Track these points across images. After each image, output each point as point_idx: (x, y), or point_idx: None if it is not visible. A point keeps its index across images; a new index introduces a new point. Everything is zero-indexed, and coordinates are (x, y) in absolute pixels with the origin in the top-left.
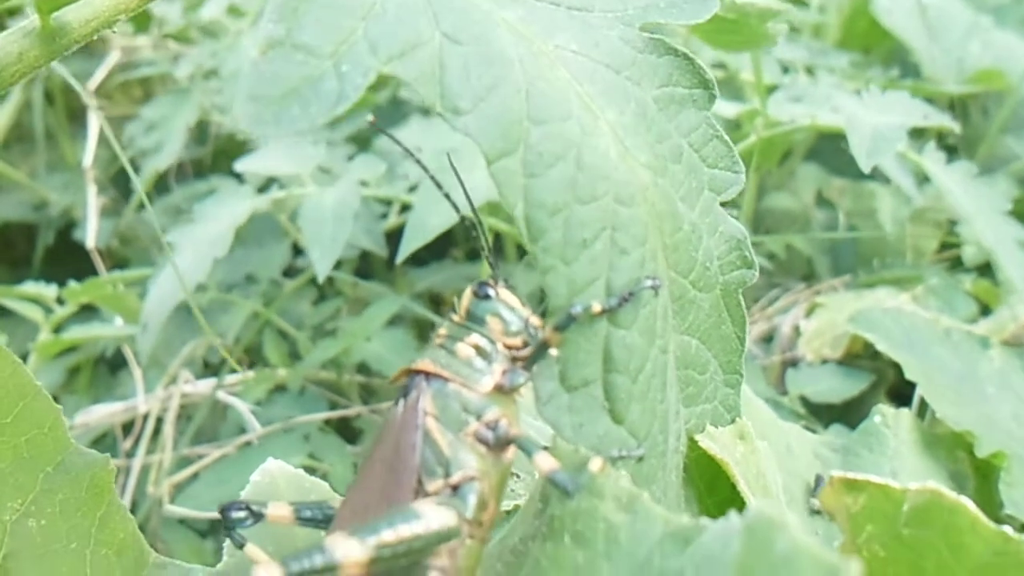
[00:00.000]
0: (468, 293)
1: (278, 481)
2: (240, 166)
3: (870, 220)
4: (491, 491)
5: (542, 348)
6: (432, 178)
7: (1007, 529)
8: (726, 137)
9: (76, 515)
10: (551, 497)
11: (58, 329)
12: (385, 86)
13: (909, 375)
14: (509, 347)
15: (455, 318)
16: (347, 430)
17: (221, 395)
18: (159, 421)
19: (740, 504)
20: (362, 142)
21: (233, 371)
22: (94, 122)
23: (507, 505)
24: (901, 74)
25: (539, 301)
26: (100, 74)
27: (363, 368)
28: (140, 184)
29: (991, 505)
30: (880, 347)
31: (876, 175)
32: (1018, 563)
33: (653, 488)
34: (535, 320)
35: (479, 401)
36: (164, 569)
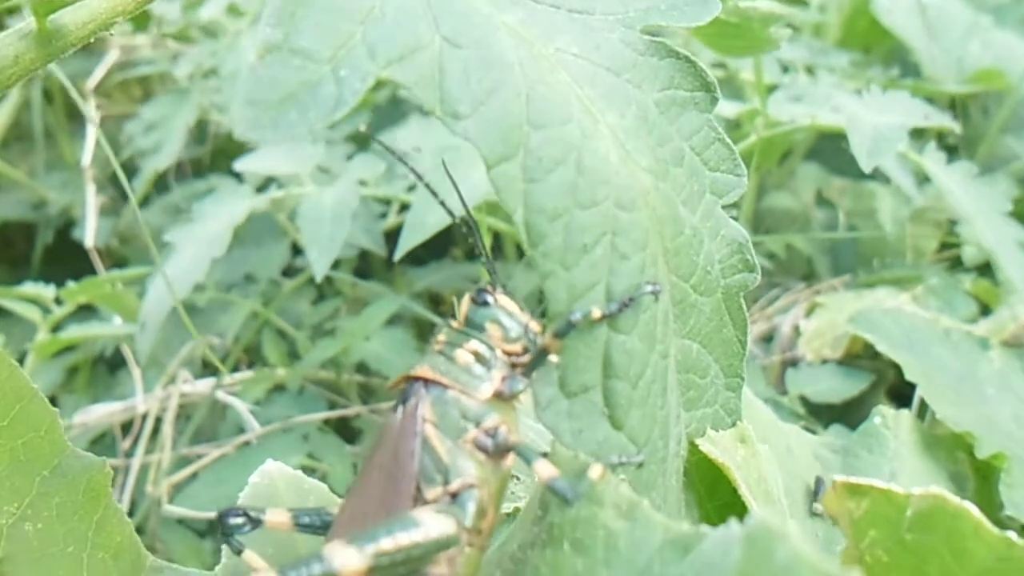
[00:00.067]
0: (467, 300)
1: (277, 483)
2: (239, 165)
3: (870, 220)
4: (490, 498)
5: (542, 354)
6: (427, 185)
7: (1011, 534)
8: (728, 140)
9: (73, 519)
10: (550, 504)
11: (56, 328)
12: (385, 86)
13: (909, 375)
14: (508, 353)
15: (454, 324)
16: (346, 430)
17: (220, 395)
18: (158, 421)
19: (741, 508)
20: (361, 141)
21: (235, 370)
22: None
23: (507, 508)
24: (901, 74)
25: (539, 301)
26: (99, 73)
27: (362, 368)
28: (131, 185)
29: (991, 506)
30: (880, 347)
31: (876, 175)
32: (1021, 568)
33: (653, 494)
34: (534, 326)
35: (478, 408)
36: (161, 573)
